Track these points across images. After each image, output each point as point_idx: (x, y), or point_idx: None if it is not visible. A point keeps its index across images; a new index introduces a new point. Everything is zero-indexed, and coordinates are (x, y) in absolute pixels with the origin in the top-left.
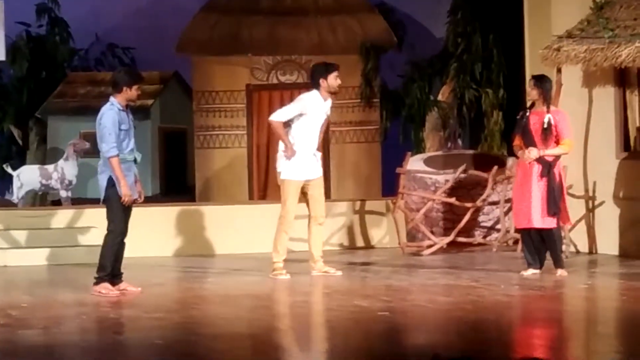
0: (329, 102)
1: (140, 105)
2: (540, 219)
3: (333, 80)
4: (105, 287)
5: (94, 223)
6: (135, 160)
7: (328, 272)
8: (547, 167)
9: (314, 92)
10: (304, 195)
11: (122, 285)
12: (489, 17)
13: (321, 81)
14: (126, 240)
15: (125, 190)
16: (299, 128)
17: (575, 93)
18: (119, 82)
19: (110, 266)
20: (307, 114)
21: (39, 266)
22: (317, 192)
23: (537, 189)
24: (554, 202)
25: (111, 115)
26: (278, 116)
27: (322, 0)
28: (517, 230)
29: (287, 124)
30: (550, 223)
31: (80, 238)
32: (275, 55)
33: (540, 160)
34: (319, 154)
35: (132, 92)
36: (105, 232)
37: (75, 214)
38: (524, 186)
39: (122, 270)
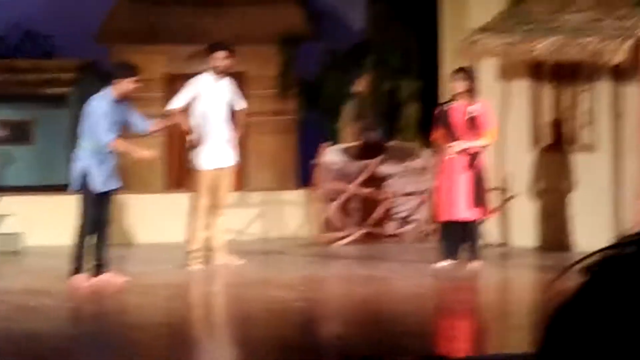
0: (225, 83)
1: (59, 93)
2: (465, 211)
3: (220, 60)
4: (77, 279)
5: (12, 211)
6: None
7: (231, 261)
8: (472, 160)
9: (204, 73)
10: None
11: (107, 276)
12: (407, 8)
13: (210, 58)
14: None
15: (139, 154)
16: (198, 113)
17: (491, 86)
18: (111, 74)
19: (81, 259)
20: (201, 96)
21: None
22: (224, 181)
23: (463, 181)
24: (480, 193)
25: (101, 104)
26: (173, 104)
27: None
28: (433, 222)
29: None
30: (475, 214)
31: None
32: (193, 44)
33: (465, 152)
34: (233, 142)
35: (124, 85)
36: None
37: None
38: (449, 179)
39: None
